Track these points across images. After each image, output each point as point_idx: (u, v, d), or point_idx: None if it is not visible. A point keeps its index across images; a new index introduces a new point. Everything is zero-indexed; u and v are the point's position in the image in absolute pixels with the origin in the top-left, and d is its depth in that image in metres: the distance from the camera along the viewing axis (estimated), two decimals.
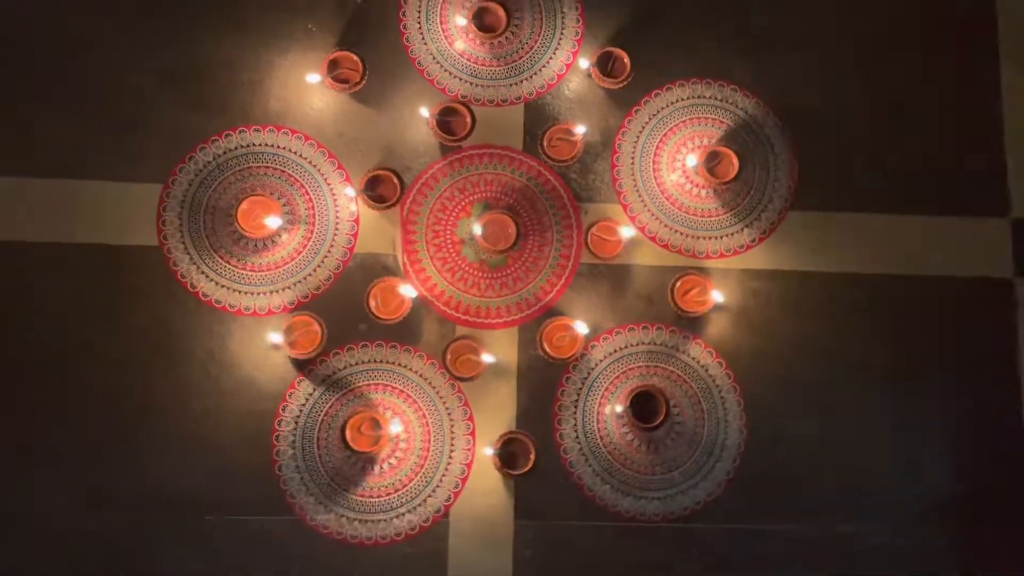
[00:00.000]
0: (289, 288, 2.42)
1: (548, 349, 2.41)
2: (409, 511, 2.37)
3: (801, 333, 2.51)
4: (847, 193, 2.56)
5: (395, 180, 2.44)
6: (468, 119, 2.47)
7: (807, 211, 2.55)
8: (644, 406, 2.37)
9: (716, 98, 2.56)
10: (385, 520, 2.37)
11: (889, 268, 2.54)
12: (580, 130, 2.45)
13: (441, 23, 2.54)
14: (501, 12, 2.50)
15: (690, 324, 2.48)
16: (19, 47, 2.47)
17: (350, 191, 2.44)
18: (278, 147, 2.46)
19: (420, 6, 2.54)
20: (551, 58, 2.55)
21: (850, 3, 2.64)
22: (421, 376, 2.41)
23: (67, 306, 2.39)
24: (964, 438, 2.49)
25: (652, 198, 2.52)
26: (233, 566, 2.35)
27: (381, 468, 2.38)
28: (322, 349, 2.38)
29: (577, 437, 2.43)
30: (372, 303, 2.39)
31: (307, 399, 2.39)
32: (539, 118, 2.53)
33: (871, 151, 2.59)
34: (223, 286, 2.40)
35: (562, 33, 2.56)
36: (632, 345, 2.46)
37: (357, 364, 2.41)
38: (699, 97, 2.56)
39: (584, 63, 2.51)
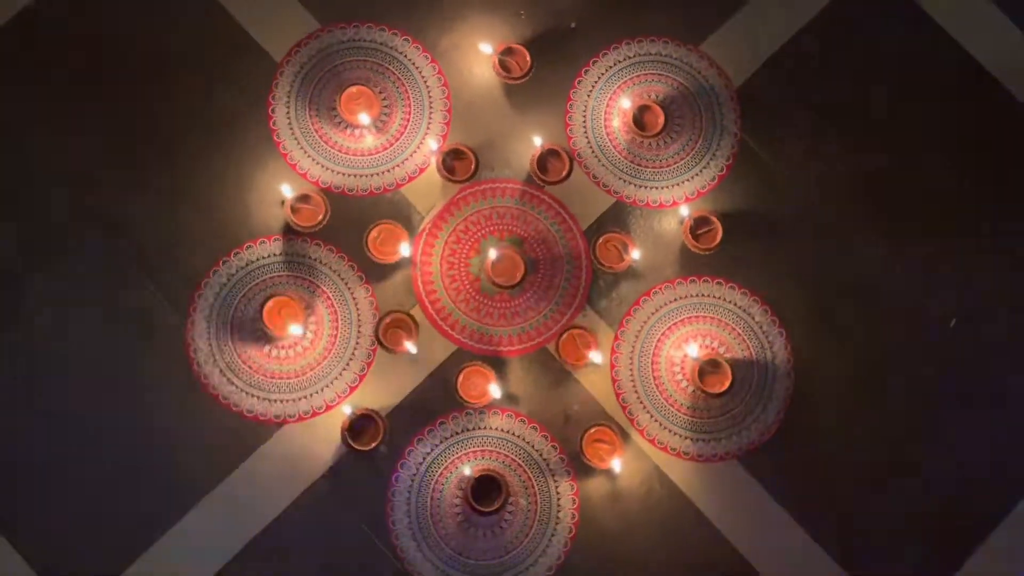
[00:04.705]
0: (331, 171, 2.59)
1: (459, 386, 2.48)
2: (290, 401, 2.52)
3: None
4: None
5: (473, 166, 2.57)
6: (566, 171, 2.56)
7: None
8: (487, 488, 2.40)
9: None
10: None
11: None
12: (634, 255, 2.51)
13: (609, 97, 2.65)
14: (662, 118, 2.57)
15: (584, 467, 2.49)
16: None
17: (434, 144, 2.60)
18: (414, 64, 2.64)
19: (603, 73, 2.66)
20: (675, 186, 2.62)
21: None
22: (356, 306, 2.54)
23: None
24: None
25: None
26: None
27: (279, 353, 2.52)
28: (313, 231, 2.54)
29: (423, 462, 2.48)
30: (373, 234, 2.53)
31: (263, 257, 2.54)
32: (620, 221, 2.60)
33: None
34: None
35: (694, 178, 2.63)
36: (515, 436, 2.50)
37: (318, 260, 2.54)
38: (746, 312, 2.57)
39: (685, 211, 2.57)
